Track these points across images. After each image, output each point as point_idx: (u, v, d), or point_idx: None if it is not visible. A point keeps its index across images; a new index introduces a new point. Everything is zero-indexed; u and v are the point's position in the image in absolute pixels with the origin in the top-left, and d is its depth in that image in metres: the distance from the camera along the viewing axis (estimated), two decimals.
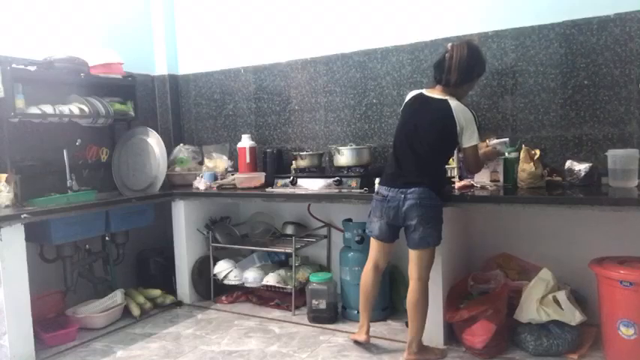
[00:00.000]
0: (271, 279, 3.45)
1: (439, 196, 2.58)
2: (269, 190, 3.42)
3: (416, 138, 2.59)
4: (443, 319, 2.77)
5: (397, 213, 2.57)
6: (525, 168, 2.79)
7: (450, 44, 2.62)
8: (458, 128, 2.52)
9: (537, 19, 3.01)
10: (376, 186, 2.78)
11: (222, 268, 3.68)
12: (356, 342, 2.83)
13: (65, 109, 3.34)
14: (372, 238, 2.77)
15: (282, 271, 3.52)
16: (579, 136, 2.96)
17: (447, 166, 3.02)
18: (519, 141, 3.04)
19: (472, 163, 2.69)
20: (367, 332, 2.80)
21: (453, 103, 2.54)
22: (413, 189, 2.52)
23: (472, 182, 2.94)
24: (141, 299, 3.54)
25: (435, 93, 2.62)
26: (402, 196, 2.54)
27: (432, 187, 2.53)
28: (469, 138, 2.56)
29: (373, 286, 2.79)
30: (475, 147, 2.61)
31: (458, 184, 2.88)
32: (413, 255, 2.60)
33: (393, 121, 3.48)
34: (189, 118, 4.43)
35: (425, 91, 2.67)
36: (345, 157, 3.36)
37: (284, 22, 3.88)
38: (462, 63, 2.56)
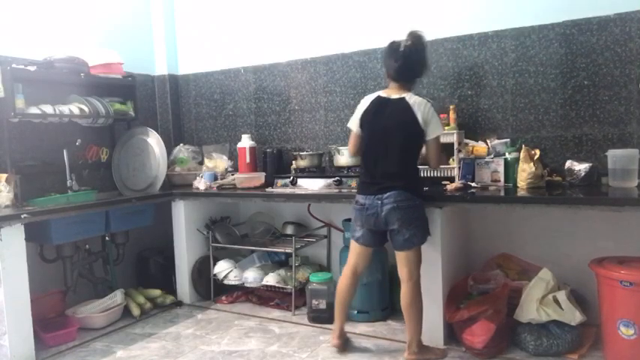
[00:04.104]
0: (271, 279, 3.45)
1: (417, 195, 2.57)
2: (269, 190, 3.42)
3: (384, 143, 2.57)
4: (443, 319, 2.77)
5: (377, 219, 2.56)
6: (525, 168, 2.79)
7: (396, 42, 2.57)
8: (421, 122, 2.51)
9: (537, 19, 3.01)
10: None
11: (222, 268, 3.68)
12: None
13: (65, 109, 3.34)
14: (352, 243, 2.76)
15: (282, 271, 3.52)
16: (579, 136, 2.96)
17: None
18: (519, 141, 3.04)
19: (435, 157, 2.64)
20: (339, 337, 2.79)
21: (411, 99, 2.53)
22: (389, 193, 2.51)
23: (467, 183, 2.93)
24: (141, 299, 3.54)
25: (392, 93, 2.60)
26: (379, 202, 2.53)
27: (407, 188, 2.53)
28: (434, 129, 2.54)
29: (349, 291, 2.78)
30: (438, 138, 2.59)
31: (450, 186, 2.87)
32: (400, 256, 2.60)
33: None
34: (189, 118, 4.43)
35: (382, 93, 2.63)
36: (345, 157, 3.36)
37: (284, 22, 3.88)
38: (415, 57, 2.56)
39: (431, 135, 2.54)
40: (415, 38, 2.55)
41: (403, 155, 2.56)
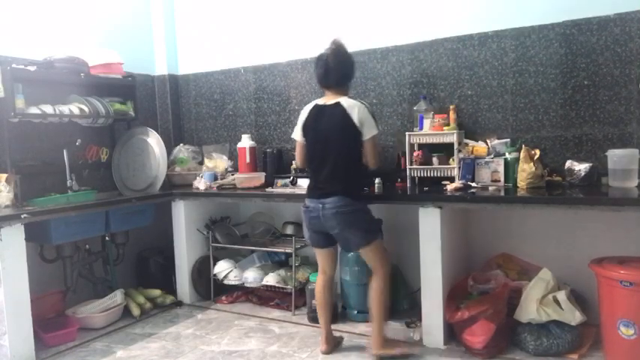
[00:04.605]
0: (271, 279, 3.45)
1: (358, 199, 2.63)
2: (269, 190, 3.42)
3: (325, 148, 2.63)
4: (443, 319, 2.77)
5: (320, 222, 2.64)
6: (525, 168, 2.79)
7: (321, 52, 2.66)
8: (358, 123, 2.57)
9: (537, 19, 3.00)
10: None
11: (222, 268, 3.68)
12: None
13: (65, 109, 3.34)
14: (315, 249, 2.84)
15: (282, 271, 3.52)
16: (579, 136, 2.96)
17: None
18: (519, 141, 3.04)
19: (373, 156, 2.69)
20: (326, 342, 2.82)
21: (345, 103, 2.60)
22: (329, 199, 2.58)
23: (467, 183, 2.93)
24: (141, 299, 3.54)
25: (328, 99, 2.67)
26: (321, 206, 2.61)
27: (346, 193, 2.58)
28: (369, 129, 2.60)
29: (325, 294, 2.84)
30: (374, 138, 2.64)
31: (450, 186, 2.88)
32: (362, 254, 2.71)
33: (393, 121, 3.48)
34: (189, 118, 4.43)
35: (319, 101, 2.72)
36: None
37: (284, 22, 3.88)
38: (343, 60, 2.64)
39: (367, 135, 2.61)
40: (336, 45, 2.65)
41: (344, 159, 2.62)
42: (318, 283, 2.86)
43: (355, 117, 2.56)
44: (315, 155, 2.70)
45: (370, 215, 2.70)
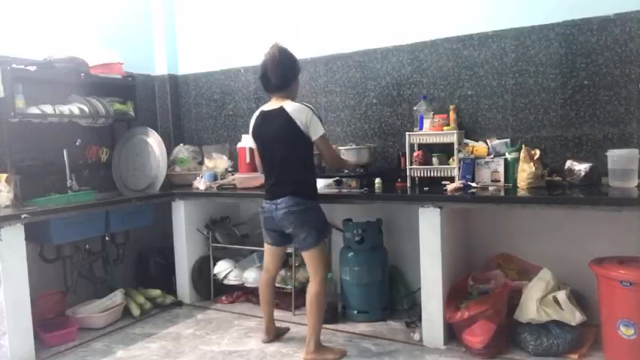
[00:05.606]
0: None
1: (308, 198, 2.69)
2: None
3: (272, 152, 2.71)
4: (443, 319, 2.77)
5: (274, 222, 2.74)
6: (525, 168, 2.79)
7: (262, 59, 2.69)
8: (302, 126, 2.61)
9: (537, 19, 3.00)
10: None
11: (222, 268, 3.68)
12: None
13: (65, 109, 3.34)
14: (265, 246, 2.94)
15: (282, 271, 3.51)
16: (579, 136, 2.96)
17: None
18: (519, 141, 3.04)
19: (327, 154, 2.78)
20: (267, 332, 3.00)
21: (288, 107, 2.64)
22: (281, 199, 2.67)
23: (467, 183, 2.92)
24: (141, 299, 3.54)
25: (272, 105, 2.72)
26: (274, 207, 2.70)
27: (297, 193, 2.65)
28: (315, 130, 2.64)
29: (267, 290, 2.98)
30: (324, 137, 2.69)
31: (450, 186, 2.88)
32: (304, 256, 2.74)
33: (393, 120, 3.48)
34: (189, 118, 4.43)
35: (264, 107, 2.76)
36: (344, 157, 3.34)
37: (283, 22, 3.88)
38: (279, 64, 2.65)
39: (315, 136, 2.66)
40: (273, 50, 2.67)
41: (290, 162, 2.68)
42: (261, 281, 2.98)
43: (299, 121, 2.60)
44: (264, 160, 2.78)
45: (322, 215, 2.77)
